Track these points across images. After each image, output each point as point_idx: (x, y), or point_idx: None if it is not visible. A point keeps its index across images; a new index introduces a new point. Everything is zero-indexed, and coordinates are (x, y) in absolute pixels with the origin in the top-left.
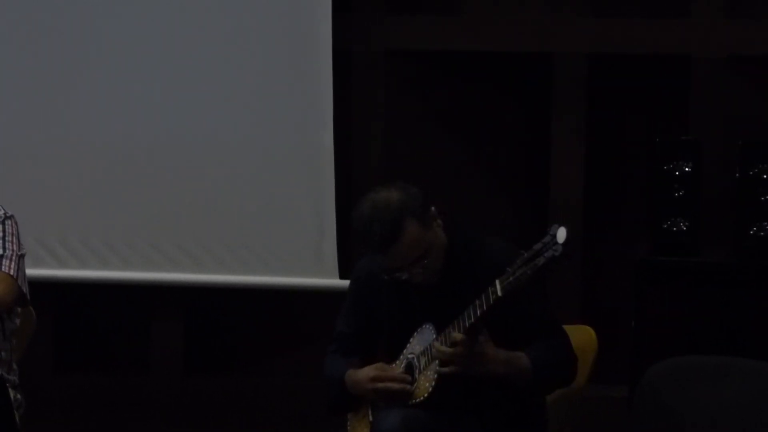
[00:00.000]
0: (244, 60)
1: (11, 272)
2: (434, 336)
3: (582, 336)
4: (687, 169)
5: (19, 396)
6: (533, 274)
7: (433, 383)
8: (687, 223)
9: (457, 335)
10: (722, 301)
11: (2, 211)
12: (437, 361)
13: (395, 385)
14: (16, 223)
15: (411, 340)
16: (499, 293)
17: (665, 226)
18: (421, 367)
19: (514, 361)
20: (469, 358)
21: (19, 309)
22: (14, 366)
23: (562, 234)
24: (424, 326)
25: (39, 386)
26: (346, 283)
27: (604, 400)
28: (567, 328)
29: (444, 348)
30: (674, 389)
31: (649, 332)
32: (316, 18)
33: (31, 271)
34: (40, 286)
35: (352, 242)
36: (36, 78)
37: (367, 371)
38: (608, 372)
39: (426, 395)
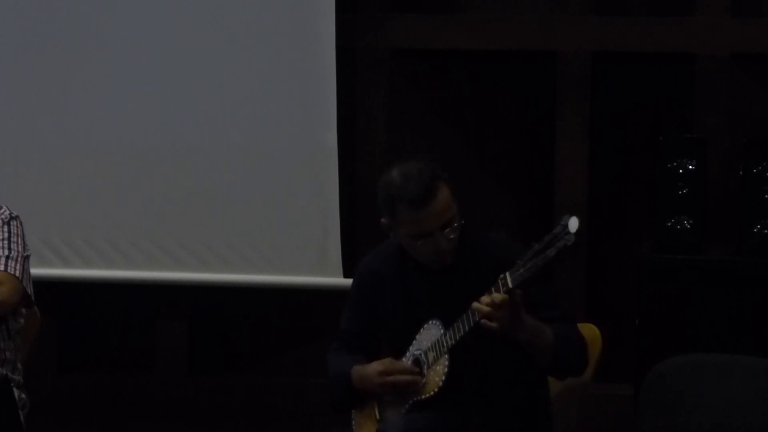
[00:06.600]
0: (248, 59)
1: (16, 273)
2: (442, 331)
3: (587, 334)
4: (691, 167)
5: (23, 395)
6: (545, 266)
7: (444, 377)
8: (691, 221)
9: (499, 295)
10: (727, 299)
11: (7, 212)
12: (447, 356)
13: (405, 378)
14: (21, 224)
15: (417, 336)
16: (510, 285)
17: (669, 224)
18: (430, 362)
19: (540, 331)
20: (509, 318)
21: (24, 309)
22: (19, 365)
23: (574, 223)
24: (430, 322)
25: (44, 385)
26: (350, 281)
27: (609, 398)
28: None
29: (490, 299)
30: (679, 387)
31: (654, 330)
32: (319, 16)
33: (36, 271)
34: (45, 285)
35: (379, 209)
36: (39, 78)
37: (375, 366)
38: (613, 370)
39: (437, 390)
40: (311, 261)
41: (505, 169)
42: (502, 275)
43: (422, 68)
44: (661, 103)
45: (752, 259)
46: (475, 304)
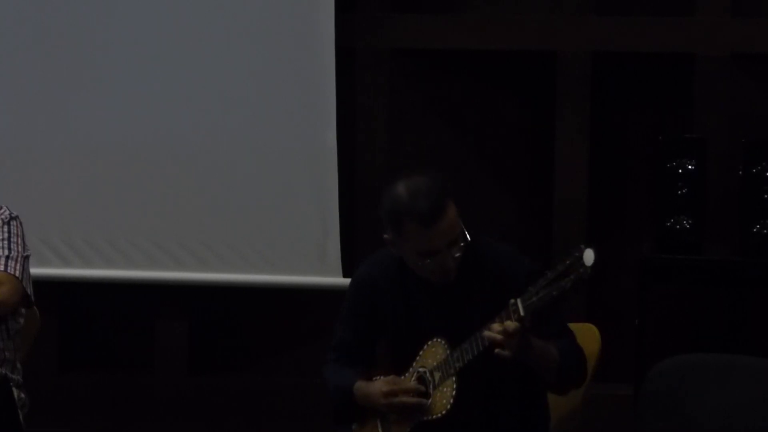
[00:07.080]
0: (248, 58)
1: (16, 273)
2: (448, 352)
3: (586, 334)
4: (691, 167)
5: (23, 395)
6: (559, 296)
7: (452, 400)
8: (691, 221)
9: (512, 324)
10: (726, 299)
11: (7, 212)
12: (454, 377)
13: (411, 399)
14: (20, 224)
15: (420, 353)
16: (522, 313)
17: (669, 223)
18: (436, 382)
19: (547, 352)
20: (521, 345)
21: (24, 309)
22: (18, 365)
23: (590, 256)
24: (434, 340)
25: (44, 385)
26: (349, 281)
27: (609, 399)
28: (571, 326)
29: (500, 327)
30: (679, 387)
31: (654, 330)
32: (319, 16)
33: (36, 271)
34: (45, 285)
35: (382, 227)
36: (39, 78)
37: (380, 385)
38: (613, 370)
39: (444, 412)
40: (311, 261)
41: (505, 168)
42: (512, 301)
43: (422, 68)
44: (661, 103)
45: (752, 259)
46: (488, 333)
